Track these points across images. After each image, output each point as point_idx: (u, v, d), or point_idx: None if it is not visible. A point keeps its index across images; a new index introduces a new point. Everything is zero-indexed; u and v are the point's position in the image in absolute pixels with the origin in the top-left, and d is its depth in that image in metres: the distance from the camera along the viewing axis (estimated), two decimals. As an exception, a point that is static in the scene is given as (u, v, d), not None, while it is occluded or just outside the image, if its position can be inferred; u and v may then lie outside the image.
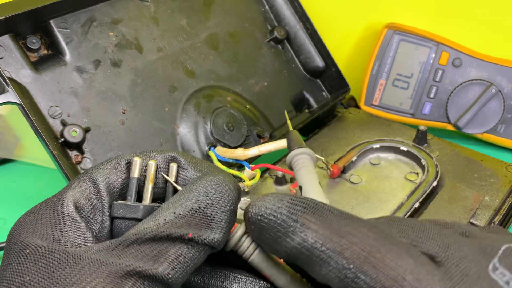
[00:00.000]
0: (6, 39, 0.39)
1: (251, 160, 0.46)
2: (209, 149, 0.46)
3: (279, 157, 0.51)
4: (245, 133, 0.49)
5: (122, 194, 0.25)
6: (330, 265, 0.20)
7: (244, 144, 0.48)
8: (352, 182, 0.46)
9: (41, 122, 0.38)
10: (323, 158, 0.47)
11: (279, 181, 0.46)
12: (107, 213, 0.24)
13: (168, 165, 0.26)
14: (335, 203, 0.44)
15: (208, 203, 0.22)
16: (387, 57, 0.57)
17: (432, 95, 0.56)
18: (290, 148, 0.36)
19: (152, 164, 0.25)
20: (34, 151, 0.56)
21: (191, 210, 0.22)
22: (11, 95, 0.37)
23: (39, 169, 0.56)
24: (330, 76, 0.57)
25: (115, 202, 0.25)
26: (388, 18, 0.59)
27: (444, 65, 0.56)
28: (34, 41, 0.41)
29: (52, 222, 0.22)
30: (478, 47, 0.56)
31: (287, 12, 0.56)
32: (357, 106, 0.61)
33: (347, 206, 0.43)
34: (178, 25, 0.49)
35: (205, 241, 0.22)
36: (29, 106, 0.38)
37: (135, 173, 0.25)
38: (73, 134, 0.39)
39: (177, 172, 0.26)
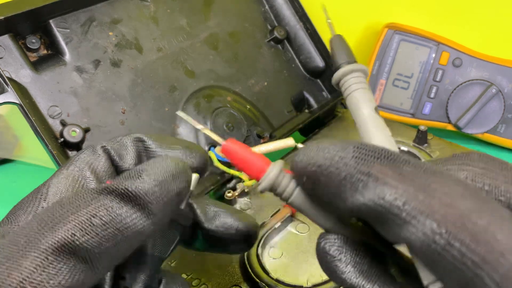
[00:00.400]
0: (6, 39, 0.39)
1: (251, 160, 0.46)
2: (209, 149, 0.46)
3: (279, 157, 0.51)
4: (245, 133, 0.49)
5: (108, 178, 0.24)
6: (414, 227, 0.16)
7: (244, 144, 0.48)
8: (352, 182, 0.46)
9: (41, 122, 0.38)
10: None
11: (279, 181, 0.46)
12: None
13: (136, 144, 0.25)
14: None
15: (145, 164, 0.20)
16: (387, 57, 0.57)
17: (432, 95, 0.56)
18: (336, 61, 0.27)
19: (196, 176, 0.24)
20: (33, 151, 0.56)
21: (127, 171, 0.20)
22: (10, 95, 0.37)
23: (39, 169, 0.56)
24: (330, 76, 0.56)
25: None
26: (388, 18, 0.59)
27: (444, 65, 0.55)
28: (33, 41, 0.41)
29: (31, 205, 0.21)
30: (478, 47, 0.56)
31: (287, 12, 0.56)
32: (357, 106, 0.60)
33: (347, 206, 0.43)
34: (178, 25, 0.49)
35: (126, 188, 0.19)
36: (28, 106, 0.37)
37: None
38: (73, 134, 0.39)
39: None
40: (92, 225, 0.18)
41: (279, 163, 0.22)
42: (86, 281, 0.18)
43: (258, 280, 0.36)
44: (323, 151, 0.18)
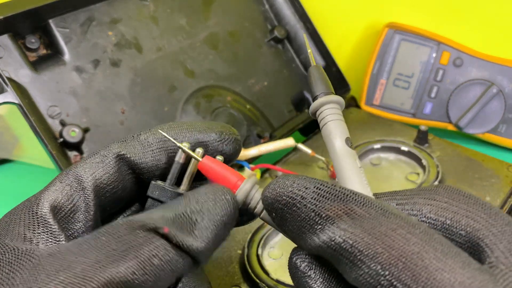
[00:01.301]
0: (5, 39, 0.39)
1: (251, 160, 0.46)
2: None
3: (279, 157, 0.51)
4: (245, 133, 0.49)
5: (112, 189, 0.23)
6: (361, 269, 0.17)
7: (244, 144, 0.48)
8: (352, 183, 0.46)
9: (40, 122, 0.38)
10: (323, 158, 0.47)
11: (279, 181, 0.46)
12: (92, 212, 0.22)
13: (161, 145, 0.24)
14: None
15: (196, 209, 0.20)
16: (388, 56, 0.57)
17: (433, 95, 0.56)
18: (313, 92, 0.27)
19: (199, 151, 0.24)
20: (33, 151, 0.56)
21: (177, 214, 0.20)
22: (10, 95, 0.37)
23: (38, 169, 0.56)
24: (330, 75, 0.56)
25: (153, 182, 0.24)
26: (389, 18, 0.59)
27: (445, 64, 0.55)
28: (33, 40, 0.41)
29: (26, 222, 0.21)
30: (479, 47, 0.55)
31: (287, 12, 0.56)
32: (357, 106, 0.60)
33: (347, 207, 0.43)
34: (178, 25, 0.48)
35: (183, 244, 0.19)
36: (28, 106, 0.37)
37: (180, 158, 0.24)
38: (72, 134, 0.39)
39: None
40: (152, 265, 0.18)
41: (252, 179, 0.23)
42: None
43: (258, 281, 0.36)
44: (287, 188, 0.19)
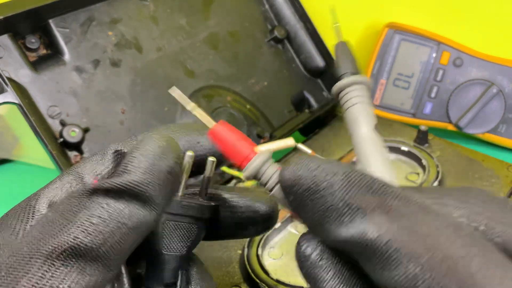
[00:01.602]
0: (5, 39, 0.39)
1: (251, 160, 0.46)
2: (209, 149, 0.46)
3: (279, 157, 0.51)
4: (245, 133, 0.48)
5: None
6: (396, 270, 0.15)
7: (244, 144, 0.48)
8: (352, 183, 0.46)
9: (40, 122, 0.38)
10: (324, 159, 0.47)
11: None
12: None
13: None
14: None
15: (129, 152, 0.20)
16: (388, 56, 0.57)
17: (433, 95, 0.56)
18: (339, 70, 0.24)
19: (189, 155, 0.23)
20: (33, 151, 0.56)
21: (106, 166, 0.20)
22: (10, 95, 0.37)
23: (38, 169, 0.56)
24: (330, 75, 0.57)
25: None
26: (389, 18, 0.59)
27: (445, 64, 0.55)
28: (33, 40, 0.41)
29: (21, 216, 0.21)
30: (479, 47, 0.55)
31: (287, 12, 0.56)
32: (357, 106, 0.60)
33: (347, 207, 0.43)
34: (178, 25, 0.48)
35: (116, 183, 0.18)
36: (28, 106, 0.37)
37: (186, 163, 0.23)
38: (72, 134, 0.39)
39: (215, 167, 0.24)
40: (92, 224, 0.18)
41: (265, 154, 0.21)
42: (99, 280, 0.18)
43: (258, 281, 0.36)
44: (311, 172, 0.18)
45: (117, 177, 0.19)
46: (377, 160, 0.20)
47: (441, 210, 0.17)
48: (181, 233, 0.24)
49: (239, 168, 0.21)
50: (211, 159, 0.24)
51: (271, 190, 0.21)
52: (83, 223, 0.18)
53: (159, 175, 0.19)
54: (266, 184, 0.21)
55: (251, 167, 0.21)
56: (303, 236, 0.19)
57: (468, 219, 0.18)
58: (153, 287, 0.24)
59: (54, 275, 0.17)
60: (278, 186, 0.20)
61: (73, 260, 0.17)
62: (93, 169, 0.23)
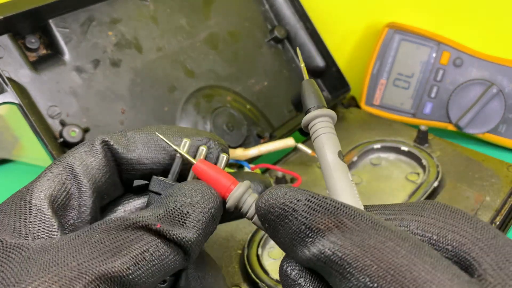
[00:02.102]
0: (5, 39, 0.39)
1: (251, 160, 0.46)
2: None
3: (279, 157, 0.51)
4: (245, 133, 0.49)
5: (105, 174, 0.24)
6: (350, 282, 0.17)
7: (244, 144, 0.48)
8: (352, 182, 0.46)
9: (40, 122, 0.38)
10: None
11: (279, 181, 0.46)
12: (86, 198, 0.23)
13: (148, 141, 0.25)
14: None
15: (185, 202, 0.21)
16: (388, 56, 0.57)
17: (433, 95, 0.56)
18: (306, 105, 0.27)
19: (203, 149, 0.25)
20: (33, 151, 0.56)
21: (167, 210, 0.21)
22: (10, 95, 0.37)
23: (38, 169, 0.56)
24: (330, 75, 0.57)
25: (155, 176, 0.24)
26: (389, 18, 0.59)
27: (445, 64, 0.55)
28: (33, 40, 0.41)
29: (17, 212, 0.21)
30: (479, 47, 0.55)
31: (287, 12, 0.56)
32: (357, 106, 0.60)
33: (347, 207, 0.43)
34: (178, 25, 0.48)
35: (175, 237, 0.20)
36: (28, 106, 0.37)
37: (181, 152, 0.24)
38: (72, 134, 0.39)
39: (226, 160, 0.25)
40: (144, 260, 0.19)
41: (245, 184, 0.23)
42: None
43: (258, 281, 0.36)
44: (279, 199, 0.20)
45: (175, 227, 0.20)
46: (340, 184, 0.23)
47: (389, 225, 0.19)
48: None
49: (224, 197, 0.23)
50: (225, 155, 0.25)
51: (251, 218, 0.23)
52: (137, 255, 0.19)
53: (208, 235, 0.22)
54: (246, 213, 0.23)
55: (233, 197, 0.23)
56: (284, 257, 0.21)
57: (422, 230, 0.20)
58: None
59: None
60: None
61: (113, 286, 0.18)
62: (82, 160, 0.23)
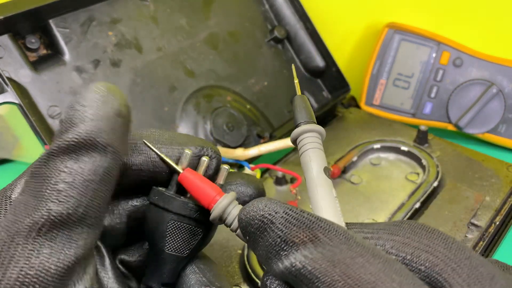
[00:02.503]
0: (5, 39, 0.39)
1: (251, 160, 0.46)
2: (209, 149, 0.46)
3: (279, 157, 0.51)
4: (245, 133, 0.49)
5: None
6: None
7: (244, 144, 0.48)
8: (352, 183, 0.46)
9: (40, 122, 0.38)
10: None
11: (279, 181, 0.46)
12: None
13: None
14: (336, 204, 0.43)
15: (70, 109, 0.19)
16: (388, 56, 0.57)
17: (433, 95, 0.56)
18: (296, 119, 0.28)
19: (205, 160, 0.24)
20: (33, 151, 0.56)
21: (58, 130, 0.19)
22: (10, 95, 0.37)
23: (39, 169, 0.56)
24: (330, 75, 0.57)
25: (154, 187, 0.24)
26: (389, 18, 0.59)
27: (445, 64, 0.55)
28: (33, 40, 0.41)
29: None
30: (479, 47, 0.55)
31: (287, 12, 0.56)
32: (357, 106, 0.60)
33: (347, 207, 0.43)
34: (178, 25, 0.48)
35: (67, 140, 0.18)
36: (28, 106, 0.37)
37: (183, 164, 0.24)
38: (72, 134, 0.39)
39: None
40: (60, 191, 0.18)
41: (230, 195, 0.23)
42: (88, 241, 0.18)
43: (258, 281, 0.36)
44: (259, 211, 0.20)
45: (66, 133, 0.18)
46: (323, 200, 0.23)
47: (363, 241, 0.19)
48: (184, 235, 0.24)
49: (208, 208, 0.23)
50: (226, 167, 0.25)
51: (235, 231, 0.23)
52: (49, 193, 0.18)
53: (108, 119, 0.19)
54: (230, 225, 0.23)
55: (217, 208, 0.23)
56: (266, 271, 0.21)
57: (397, 250, 0.20)
58: (151, 285, 0.24)
59: (40, 251, 0.17)
60: None
61: (55, 231, 0.17)
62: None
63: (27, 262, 0.17)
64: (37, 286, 0.17)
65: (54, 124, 0.40)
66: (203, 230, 0.25)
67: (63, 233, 0.18)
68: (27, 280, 0.17)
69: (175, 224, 0.24)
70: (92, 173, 0.18)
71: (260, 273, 0.36)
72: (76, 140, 0.18)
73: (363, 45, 0.63)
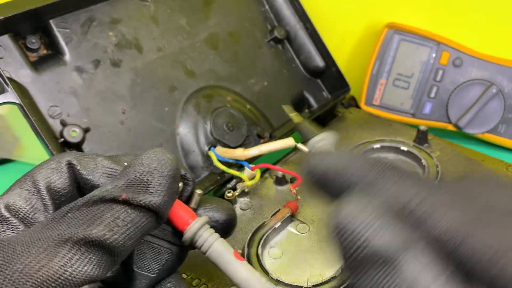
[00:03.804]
0: (6, 39, 0.39)
1: (251, 160, 0.46)
2: (209, 149, 0.46)
3: (279, 157, 0.51)
4: (245, 133, 0.49)
5: (66, 195, 0.24)
6: None
7: (244, 144, 0.48)
8: (352, 182, 0.46)
9: (41, 122, 0.38)
10: (323, 158, 0.47)
11: (279, 181, 0.46)
12: (51, 211, 0.24)
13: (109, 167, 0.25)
14: (336, 203, 0.43)
15: (144, 171, 0.22)
16: (387, 56, 0.57)
17: (432, 95, 0.56)
18: (306, 137, 0.33)
19: (181, 186, 0.25)
20: (33, 151, 0.56)
21: (129, 180, 0.22)
22: (10, 95, 0.37)
23: (39, 169, 0.56)
24: (330, 76, 0.57)
25: None
26: (389, 18, 0.59)
27: (444, 65, 0.55)
28: (33, 41, 0.41)
29: None
30: (478, 47, 0.56)
31: (287, 12, 0.56)
32: (357, 106, 0.60)
33: (347, 206, 0.43)
34: (178, 25, 0.49)
35: (142, 203, 0.21)
36: (28, 106, 0.38)
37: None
38: (73, 134, 0.39)
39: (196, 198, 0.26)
40: (117, 226, 0.21)
41: (202, 219, 0.25)
42: (106, 272, 0.21)
43: (258, 280, 0.36)
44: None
45: (139, 194, 0.22)
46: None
47: None
48: (152, 254, 0.25)
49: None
50: (199, 191, 0.26)
51: (205, 253, 0.24)
52: (110, 223, 0.21)
53: (173, 196, 0.23)
54: (201, 246, 0.24)
55: (189, 231, 0.24)
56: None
57: None
58: None
59: (79, 259, 0.20)
60: (212, 248, 0.24)
61: (95, 251, 0.20)
62: (46, 176, 0.24)
63: (66, 263, 0.19)
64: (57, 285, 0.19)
65: (55, 124, 0.40)
66: (174, 251, 0.25)
67: (98, 255, 0.20)
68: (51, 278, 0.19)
69: (143, 243, 0.25)
70: (144, 225, 0.22)
71: (260, 272, 0.36)
72: (147, 206, 0.22)
73: (363, 45, 0.63)
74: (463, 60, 0.55)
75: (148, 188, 0.22)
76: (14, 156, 0.58)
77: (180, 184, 0.25)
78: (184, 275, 0.38)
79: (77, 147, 0.40)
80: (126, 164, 0.25)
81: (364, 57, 0.61)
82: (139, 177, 0.22)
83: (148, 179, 0.22)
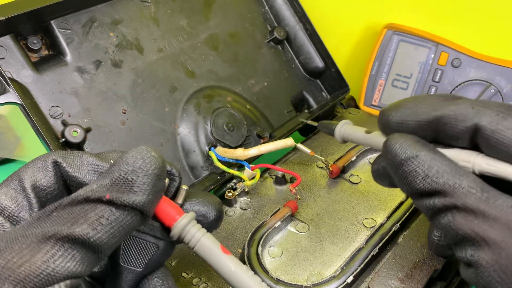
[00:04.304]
0: (7, 40, 0.39)
1: (251, 160, 0.46)
2: (209, 149, 0.46)
3: (279, 157, 0.51)
4: (245, 133, 0.49)
5: (52, 193, 0.25)
6: None
7: (244, 144, 0.48)
8: (351, 182, 0.47)
9: (42, 122, 0.38)
10: (322, 158, 0.47)
11: (279, 181, 0.46)
12: (36, 209, 0.24)
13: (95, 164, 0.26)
14: (335, 203, 0.44)
15: (129, 170, 0.22)
16: (386, 57, 0.58)
17: (431, 95, 0.56)
18: (331, 129, 0.37)
19: (167, 182, 0.26)
20: (34, 151, 0.56)
21: (113, 179, 0.22)
22: (12, 96, 0.37)
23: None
24: (329, 76, 0.57)
25: None
26: (388, 19, 0.60)
27: (443, 65, 0.56)
28: (35, 41, 0.41)
29: None
30: (477, 48, 0.56)
31: (287, 13, 0.56)
32: (356, 106, 0.61)
33: (346, 206, 0.43)
34: (179, 26, 0.49)
35: (126, 202, 0.22)
36: (30, 106, 0.38)
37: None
38: (74, 134, 0.40)
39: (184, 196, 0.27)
40: (101, 224, 0.21)
41: (190, 215, 0.25)
42: (89, 269, 0.21)
43: (258, 279, 0.36)
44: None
45: (123, 194, 0.22)
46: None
47: None
48: (138, 249, 0.25)
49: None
50: (185, 187, 0.26)
51: (193, 248, 0.25)
52: (94, 222, 0.21)
53: (159, 193, 0.23)
54: (189, 242, 0.25)
55: (176, 227, 0.24)
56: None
57: None
58: None
59: (62, 255, 0.20)
60: (199, 243, 0.25)
61: (78, 248, 0.20)
62: (32, 174, 0.25)
63: (49, 259, 0.19)
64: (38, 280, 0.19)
65: (56, 124, 0.40)
66: (161, 246, 0.25)
67: (82, 253, 0.20)
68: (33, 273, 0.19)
69: (129, 238, 0.25)
70: (128, 224, 0.22)
71: (260, 272, 0.37)
72: (131, 205, 0.22)
73: (362, 46, 0.63)
74: (461, 61, 0.55)
75: (132, 187, 0.22)
76: (15, 156, 0.58)
77: (166, 181, 0.25)
78: (184, 274, 0.38)
79: (78, 147, 0.40)
80: (112, 162, 0.25)
81: (363, 58, 0.61)
82: (123, 176, 0.22)
83: (132, 178, 0.22)
